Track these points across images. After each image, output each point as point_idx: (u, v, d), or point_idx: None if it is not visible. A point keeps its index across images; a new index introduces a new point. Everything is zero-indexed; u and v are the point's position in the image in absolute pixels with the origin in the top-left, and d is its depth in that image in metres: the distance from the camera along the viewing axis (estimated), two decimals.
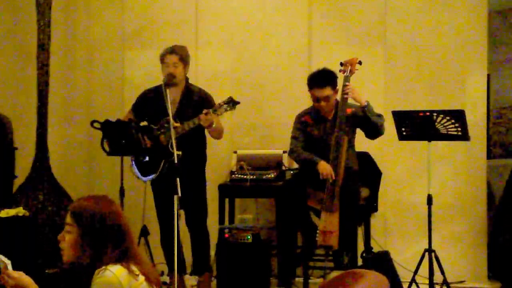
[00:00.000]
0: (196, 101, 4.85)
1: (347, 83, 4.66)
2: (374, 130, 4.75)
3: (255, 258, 4.88)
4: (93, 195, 2.57)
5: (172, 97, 4.77)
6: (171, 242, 4.21)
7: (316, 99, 4.78)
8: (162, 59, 4.89)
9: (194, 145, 4.86)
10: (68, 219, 2.51)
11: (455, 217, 5.44)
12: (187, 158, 4.56)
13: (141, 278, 2.44)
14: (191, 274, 5.23)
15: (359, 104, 4.72)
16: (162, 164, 4.78)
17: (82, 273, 2.41)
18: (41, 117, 5.43)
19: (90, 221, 2.46)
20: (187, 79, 4.98)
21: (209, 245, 5.04)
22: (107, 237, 2.44)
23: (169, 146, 4.65)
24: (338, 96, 4.80)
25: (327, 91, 4.74)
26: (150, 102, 4.94)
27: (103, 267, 2.37)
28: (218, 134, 4.89)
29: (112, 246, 2.43)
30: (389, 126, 4.92)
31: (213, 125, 4.62)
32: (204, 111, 4.56)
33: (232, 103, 4.51)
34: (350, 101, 4.75)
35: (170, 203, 4.17)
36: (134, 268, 2.43)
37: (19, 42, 6.12)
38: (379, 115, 4.72)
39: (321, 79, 4.76)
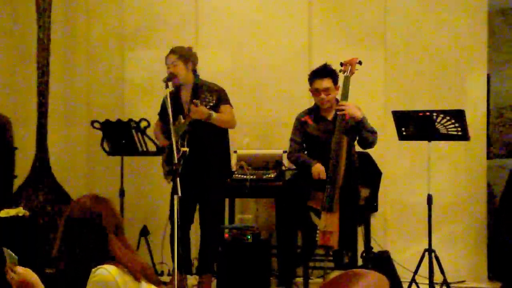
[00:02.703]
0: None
1: (341, 102, 4.68)
2: (363, 143, 4.81)
3: (255, 258, 4.87)
4: (89, 194, 2.56)
5: (184, 97, 4.92)
6: (182, 241, 4.23)
7: (316, 91, 4.81)
8: (165, 60, 4.93)
9: (216, 144, 4.92)
10: None
11: (455, 217, 5.44)
12: (211, 156, 4.73)
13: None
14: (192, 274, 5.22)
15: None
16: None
17: (77, 272, 2.40)
18: (41, 117, 5.43)
19: (67, 216, 2.47)
20: (197, 77, 4.98)
21: (218, 247, 4.94)
22: (82, 234, 2.43)
23: (179, 143, 4.65)
24: (339, 96, 4.81)
25: (328, 83, 4.77)
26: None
27: (99, 266, 2.36)
28: (223, 124, 4.89)
29: (88, 244, 2.42)
30: (389, 126, 4.92)
31: (213, 116, 4.66)
32: (194, 101, 4.60)
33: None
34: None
35: (186, 201, 4.19)
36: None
37: (19, 42, 6.12)
38: (373, 132, 4.76)
39: (321, 70, 4.83)
